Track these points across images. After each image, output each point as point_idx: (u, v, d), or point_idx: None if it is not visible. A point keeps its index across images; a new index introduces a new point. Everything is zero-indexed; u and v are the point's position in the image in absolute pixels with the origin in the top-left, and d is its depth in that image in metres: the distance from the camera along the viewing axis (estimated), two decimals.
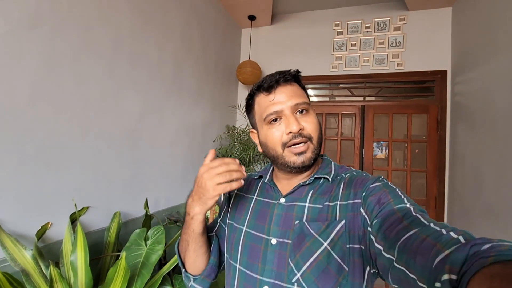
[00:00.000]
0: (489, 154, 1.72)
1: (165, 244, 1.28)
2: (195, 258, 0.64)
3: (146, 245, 1.08)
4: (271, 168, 0.71)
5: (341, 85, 2.77)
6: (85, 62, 1.31)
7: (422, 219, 0.42)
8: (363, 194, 0.53)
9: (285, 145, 0.59)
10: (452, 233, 0.36)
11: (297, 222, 0.57)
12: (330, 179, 0.60)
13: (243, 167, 0.53)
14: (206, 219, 0.62)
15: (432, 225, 0.40)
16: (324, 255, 0.52)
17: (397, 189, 0.53)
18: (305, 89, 0.66)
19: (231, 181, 0.52)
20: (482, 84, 1.85)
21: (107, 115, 1.44)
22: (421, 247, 0.36)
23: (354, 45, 2.63)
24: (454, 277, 0.30)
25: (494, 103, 1.69)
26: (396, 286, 0.41)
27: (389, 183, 0.55)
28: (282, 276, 0.54)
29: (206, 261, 0.66)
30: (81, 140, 1.31)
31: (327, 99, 2.87)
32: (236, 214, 0.69)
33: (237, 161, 0.53)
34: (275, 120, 0.59)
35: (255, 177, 0.74)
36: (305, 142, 0.58)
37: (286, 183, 0.65)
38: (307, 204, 0.58)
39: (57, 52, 1.19)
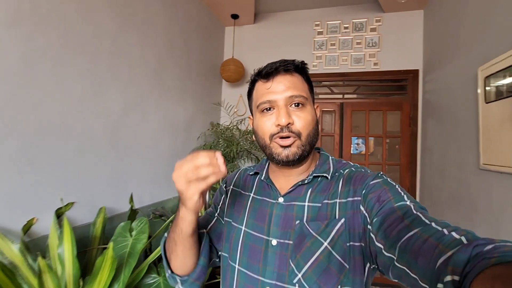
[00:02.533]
0: (451, 147, 1.88)
1: (150, 236, 1.33)
2: (183, 260, 0.59)
3: (131, 236, 1.13)
4: (267, 164, 0.69)
5: (322, 83, 2.88)
6: (66, 60, 1.33)
7: (423, 218, 0.42)
8: (363, 191, 0.53)
9: (272, 137, 0.57)
10: (454, 233, 0.36)
11: (297, 222, 0.55)
12: (329, 177, 0.59)
13: (220, 158, 0.47)
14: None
15: (433, 224, 0.40)
16: (325, 254, 0.51)
17: (397, 186, 0.52)
18: (309, 82, 0.63)
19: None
20: (446, 82, 2.01)
21: (89, 112, 1.46)
22: (423, 247, 0.36)
23: (334, 44, 2.74)
24: (456, 278, 0.30)
25: (455, 100, 1.84)
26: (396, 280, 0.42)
27: (389, 179, 0.54)
28: (284, 277, 0.53)
29: (195, 261, 0.61)
30: (64, 137, 1.33)
31: None
32: (234, 212, 0.66)
33: (216, 153, 0.47)
34: (269, 109, 0.58)
35: (250, 173, 0.71)
36: (293, 137, 0.56)
37: (283, 181, 0.63)
38: (306, 204, 0.57)
39: (37, 50, 1.20)
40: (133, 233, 1.13)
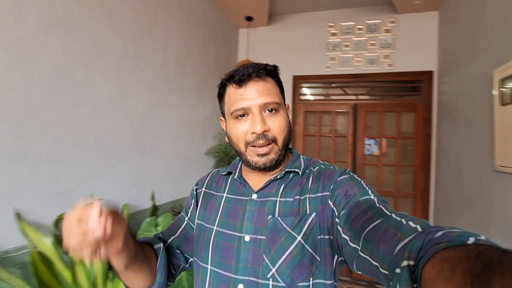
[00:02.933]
0: (466, 149, 1.87)
1: None
2: (132, 283, 0.57)
3: (156, 230, 1.19)
4: (240, 164, 0.68)
5: (335, 84, 2.90)
6: (95, 64, 1.41)
7: (385, 210, 0.45)
8: (331, 187, 0.55)
9: (248, 144, 0.57)
10: (410, 223, 0.39)
11: (270, 217, 0.56)
12: (300, 173, 0.61)
13: (95, 212, 0.40)
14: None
15: (393, 215, 0.43)
16: (298, 248, 0.53)
17: (362, 181, 0.55)
18: (281, 86, 0.63)
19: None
20: (462, 84, 2.00)
21: (116, 113, 1.55)
22: (384, 236, 0.39)
23: (347, 46, 2.75)
24: (412, 262, 0.33)
25: (471, 102, 1.84)
26: (360, 272, 0.45)
27: (355, 175, 0.57)
28: (257, 272, 0.54)
29: (150, 281, 0.58)
30: (93, 136, 1.41)
31: (322, 97, 2.99)
32: (206, 213, 0.66)
33: (93, 211, 0.40)
34: (242, 115, 0.57)
35: (223, 173, 0.71)
36: (269, 144, 0.56)
37: (256, 179, 0.63)
38: (278, 199, 0.58)
39: (70, 55, 1.29)
40: (159, 227, 1.20)
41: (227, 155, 2.50)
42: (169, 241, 0.67)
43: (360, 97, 2.81)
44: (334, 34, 2.80)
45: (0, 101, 1.03)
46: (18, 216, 1.12)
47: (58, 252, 1.16)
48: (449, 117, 2.24)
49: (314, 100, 2.99)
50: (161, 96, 1.91)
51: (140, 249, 0.55)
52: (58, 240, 1.19)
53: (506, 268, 0.23)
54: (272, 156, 0.57)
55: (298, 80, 2.95)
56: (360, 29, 2.73)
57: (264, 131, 0.55)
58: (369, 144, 2.72)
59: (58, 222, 1.25)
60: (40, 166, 1.18)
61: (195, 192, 0.72)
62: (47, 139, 1.20)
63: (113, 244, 0.43)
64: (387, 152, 2.75)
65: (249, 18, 2.88)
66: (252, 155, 0.57)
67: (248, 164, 0.59)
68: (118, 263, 0.49)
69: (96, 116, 1.43)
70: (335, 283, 0.55)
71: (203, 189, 0.71)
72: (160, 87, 1.89)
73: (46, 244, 1.14)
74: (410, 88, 2.75)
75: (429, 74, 2.54)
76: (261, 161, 0.57)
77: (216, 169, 0.75)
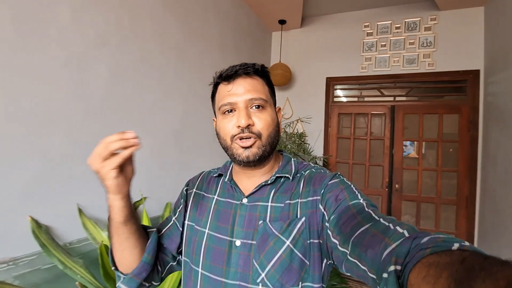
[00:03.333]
0: None
1: None
2: (121, 252, 0.57)
3: None
4: (231, 166, 0.69)
5: (371, 86, 2.83)
6: (142, 72, 1.52)
7: (373, 215, 0.45)
8: (322, 191, 0.55)
9: (233, 138, 0.58)
10: (398, 228, 0.40)
11: (260, 222, 0.56)
12: (291, 177, 0.61)
13: (131, 132, 0.48)
14: (134, 207, 0.57)
15: (381, 220, 0.44)
16: (287, 253, 0.53)
17: (352, 185, 0.55)
18: (270, 85, 0.64)
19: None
20: None
21: (159, 117, 1.64)
22: (372, 241, 0.40)
23: (384, 45, 2.67)
24: (399, 267, 0.33)
25: None
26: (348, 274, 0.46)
27: (345, 179, 0.58)
28: (247, 277, 0.54)
29: (138, 258, 0.59)
30: (141, 138, 1.51)
31: (356, 99, 2.93)
32: (197, 215, 0.65)
33: (126, 134, 0.48)
34: (230, 111, 0.59)
35: (214, 175, 0.71)
36: (253, 138, 0.57)
37: (247, 182, 0.63)
38: (269, 204, 0.58)
39: (121, 65, 1.40)
40: None
41: None
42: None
43: (398, 98, 2.71)
44: (370, 34, 2.73)
45: (62, 107, 1.15)
46: (80, 211, 1.23)
47: None
48: (497, 119, 2.09)
49: (348, 101, 2.94)
50: (198, 99, 1.99)
51: (136, 221, 0.58)
52: None
53: (488, 274, 0.23)
54: (255, 150, 0.57)
55: (332, 82, 2.91)
56: (398, 28, 2.64)
57: (249, 125, 0.56)
58: (405, 145, 2.61)
59: None
60: None
61: (185, 192, 0.71)
62: (102, 139, 1.31)
63: (125, 181, 0.50)
64: (426, 156, 2.63)
65: (282, 21, 2.90)
66: (237, 148, 0.58)
67: (233, 158, 0.60)
68: (120, 212, 0.52)
69: (142, 119, 1.53)
70: (324, 286, 0.55)
71: (194, 189, 0.70)
72: (196, 91, 1.98)
73: (103, 237, 1.24)
74: (453, 88, 2.60)
75: (474, 73, 2.39)
76: (244, 153, 0.57)
77: (207, 170, 0.75)
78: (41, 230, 1.08)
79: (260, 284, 0.53)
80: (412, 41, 2.58)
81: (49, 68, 1.09)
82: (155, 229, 0.65)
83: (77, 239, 1.23)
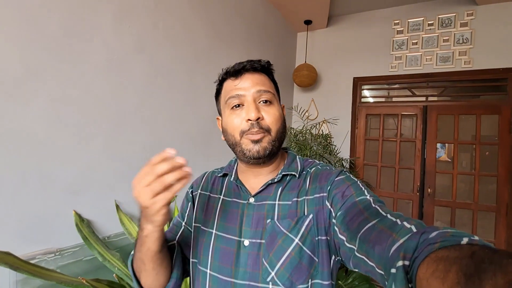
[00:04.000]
0: None
1: None
2: (155, 277, 0.56)
3: None
4: (236, 165, 0.68)
5: (401, 85, 2.73)
6: (173, 75, 1.57)
7: (380, 210, 0.45)
8: (328, 187, 0.55)
9: (243, 133, 0.57)
10: (405, 223, 0.39)
11: (268, 221, 0.56)
12: (297, 175, 0.60)
13: (181, 159, 0.43)
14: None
15: (389, 215, 0.43)
16: (296, 250, 0.52)
17: (359, 182, 0.55)
18: (275, 83, 0.65)
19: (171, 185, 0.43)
20: None
21: (189, 116, 1.70)
22: (379, 237, 0.40)
23: (416, 43, 2.57)
24: (407, 263, 0.33)
25: None
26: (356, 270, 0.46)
27: (351, 176, 0.58)
28: (257, 276, 0.54)
29: (168, 276, 0.59)
30: (171, 137, 1.57)
31: (385, 100, 2.84)
32: (203, 216, 0.65)
33: (171, 153, 0.44)
34: (238, 106, 0.58)
35: (219, 175, 0.70)
36: (263, 133, 0.56)
37: (253, 181, 0.63)
38: (276, 202, 0.58)
39: (155, 69, 1.46)
40: None
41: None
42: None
43: (431, 98, 2.59)
44: (400, 32, 2.64)
45: (102, 110, 1.22)
46: (117, 207, 1.30)
47: None
48: None
49: (377, 102, 2.85)
50: None
51: (166, 243, 0.57)
52: None
53: (498, 267, 0.23)
54: (265, 144, 0.56)
55: (359, 82, 2.84)
56: (430, 24, 2.52)
57: (258, 118, 0.56)
58: (436, 148, 2.49)
59: None
60: (132, 164, 1.35)
61: (190, 195, 0.70)
62: (138, 140, 1.38)
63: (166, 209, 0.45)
64: (462, 159, 2.48)
65: (308, 22, 2.88)
66: (247, 143, 0.57)
67: (243, 154, 0.58)
68: (157, 242, 0.50)
69: (173, 119, 1.59)
70: (333, 282, 0.55)
71: (199, 191, 0.70)
72: None
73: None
74: (492, 87, 2.44)
75: None
76: (254, 148, 0.56)
77: (211, 170, 0.74)
78: (83, 224, 1.15)
79: (270, 283, 0.53)
80: (447, 38, 2.45)
81: (91, 75, 1.17)
82: (175, 241, 0.65)
83: (114, 233, 1.29)
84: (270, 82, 0.62)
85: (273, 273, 0.52)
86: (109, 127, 1.25)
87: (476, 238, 0.31)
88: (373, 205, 0.47)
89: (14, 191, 0.95)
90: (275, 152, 0.59)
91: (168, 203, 0.44)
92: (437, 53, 2.47)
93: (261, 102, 0.58)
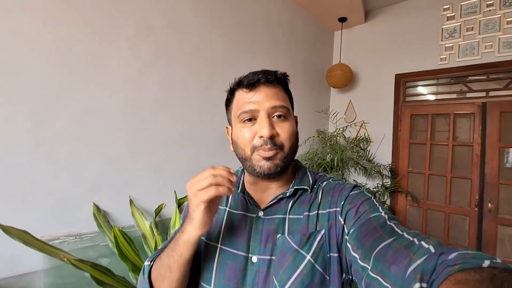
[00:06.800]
0: None
1: None
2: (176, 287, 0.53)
3: None
4: (243, 176, 0.65)
5: (454, 80, 2.31)
6: (189, 84, 1.72)
7: (396, 229, 0.44)
8: (342, 203, 0.53)
9: (254, 149, 0.55)
10: (423, 243, 0.38)
11: (279, 236, 0.54)
12: (309, 189, 0.58)
13: (235, 176, 0.49)
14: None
15: (405, 234, 0.42)
16: (308, 268, 0.50)
17: (373, 198, 0.53)
18: (290, 95, 0.62)
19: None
20: None
21: (205, 124, 1.82)
22: (395, 256, 0.38)
23: (471, 29, 2.15)
24: (424, 285, 0.32)
25: None
26: None
27: (365, 191, 0.55)
28: None
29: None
30: (185, 144, 1.72)
31: (434, 97, 2.45)
32: None
33: (231, 170, 0.48)
34: (250, 120, 0.55)
35: None
36: (275, 150, 0.54)
37: (261, 194, 0.60)
38: (287, 216, 0.56)
39: (169, 79, 1.62)
40: None
41: (315, 163, 2.44)
42: None
43: (492, 93, 2.12)
44: (451, 18, 2.25)
45: (120, 116, 1.43)
46: (131, 202, 1.51)
47: (153, 233, 1.48)
48: None
49: (424, 100, 2.48)
50: None
51: None
52: (156, 225, 1.51)
53: None
54: (277, 161, 0.54)
55: (402, 79, 2.53)
56: (490, 5, 2.08)
57: (272, 135, 0.53)
58: (508, 152, 2.00)
59: (158, 211, 1.59)
60: (147, 168, 1.55)
61: None
62: (152, 144, 1.57)
63: (210, 219, 0.49)
64: None
65: (342, 19, 2.73)
66: (258, 159, 0.54)
67: (253, 170, 0.56)
68: (191, 248, 0.50)
69: (189, 125, 1.73)
70: None
71: None
72: None
73: (146, 225, 1.47)
74: None
75: None
76: (266, 165, 0.54)
77: None
78: (100, 214, 1.37)
79: None
80: (511, 19, 1.98)
81: (111, 88, 1.39)
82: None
83: (128, 225, 1.50)
84: (285, 95, 0.59)
85: None
86: (127, 131, 1.45)
87: (499, 261, 0.30)
88: (388, 223, 0.46)
89: (48, 183, 1.20)
90: (287, 168, 0.57)
91: (208, 202, 0.47)
92: (499, 38, 2.02)
93: (275, 116, 0.56)
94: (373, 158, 2.48)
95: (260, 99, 0.55)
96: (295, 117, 0.62)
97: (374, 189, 2.46)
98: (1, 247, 1.08)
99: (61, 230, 1.27)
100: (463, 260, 0.30)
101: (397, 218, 0.48)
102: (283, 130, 0.55)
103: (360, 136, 2.71)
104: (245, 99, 0.56)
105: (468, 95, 2.23)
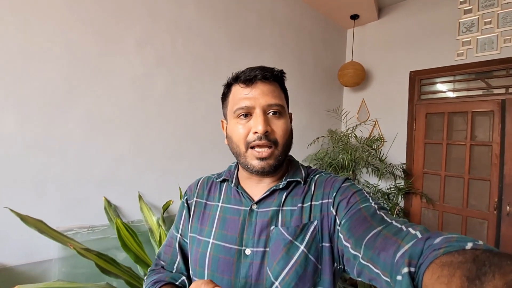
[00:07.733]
0: None
1: None
2: None
3: None
4: (236, 170, 0.66)
5: (471, 76, 2.20)
6: (194, 83, 1.77)
7: (385, 217, 0.46)
8: (334, 194, 0.54)
9: (248, 145, 0.55)
10: (410, 229, 0.40)
11: (272, 228, 0.54)
12: (302, 181, 0.59)
13: None
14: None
15: (394, 222, 0.44)
16: (302, 258, 0.51)
17: (363, 190, 0.55)
18: (285, 92, 0.63)
19: None
20: None
21: (212, 122, 1.87)
22: (385, 243, 0.40)
23: (489, 22, 2.04)
24: (412, 269, 0.34)
25: None
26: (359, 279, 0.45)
27: (355, 183, 0.58)
28: (260, 286, 0.52)
29: None
30: (192, 141, 1.78)
31: (451, 95, 2.34)
32: (199, 225, 0.62)
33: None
34: (245, 116, 0.56)
35: (217, 180, 0.67)
36: (269, 147, 0.55)
37: (255, 187, 0.61)
38: (281, 208, 0.57)
39: (175, 80, 1.68)
40: None
41: (325, 163, 2.42)
42: (177, 267, 0.66)
43: None
44: (468, 11, 2.14)
45: (128, 116, 1.51)
46: (140, 197, 1.58)
47: (159, 228, 1.54)
48: None
49: (440, 98, 2.38)
50: None
51: None
52: (163, 220, 1.58)
53: (497, 268, 0.24)
54: (271, 161, 0.55)
55: (417, 76, 2.44)
56: None
57: (266, 131, 0.54)
58: None
59: (166, 206, 1.66)
60: (154, 165, 1.62)
61: (186, 204, 0.68)
62: (159, 143, 1.64)
63: None
64: None
65: (354, 17, 2.68)
66: (252, 158, 0.55)
67: (246, 167, 0.57)
68: None
69: (194, 125, 1.79)
70: None
71: (194, 198, 0.67)
72: None
73: (153, 220, 1.54)
74: None
75: None
76: (259, 165, 0.55)
77: (207, 176, 0.72)
78: (110, 208, 1.46)
79: None
80: None
81: (118, 89, 1.47)
82: (183, 277, 0.63)
83: (137, 219, 1.57)
84: (281, 92, 0.60)
85: (277, 283, 0.51)
86: (134, 129, 1.53)
87: (481, 242, 0.32)
88: (378, 212, 0.47)
89: (61, 177, 1.30)
90: (281, 165, 0.58)
91: None
92: None
93: (270, 113, 0.56)
94: (385, 158, 2.42)
95: (256, 96, 0.55)
96: (290, 114, 0.63)
97: (387, 190, 2.39)
98: (19, 236, 1.19)
99: (73, 222, 1.37)
100: (448, 243, 0.32)
101: (386, 208, 0.50)
102: (278, 127, 0.56)
103: (374, 136, 2.65)
104: (241, 95, 0.57)
105: (487, 92, 2.11)
